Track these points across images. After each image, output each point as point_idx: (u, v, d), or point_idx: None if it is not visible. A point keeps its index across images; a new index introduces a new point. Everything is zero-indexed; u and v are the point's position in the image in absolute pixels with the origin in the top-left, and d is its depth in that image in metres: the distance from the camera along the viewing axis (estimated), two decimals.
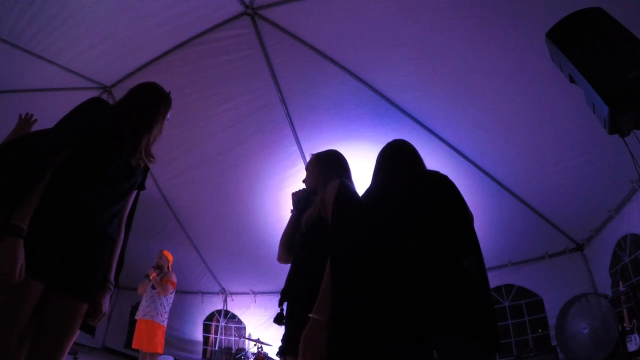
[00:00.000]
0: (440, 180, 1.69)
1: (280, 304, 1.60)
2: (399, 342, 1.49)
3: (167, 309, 4.41)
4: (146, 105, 1.58)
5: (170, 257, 4.70)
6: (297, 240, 1.73)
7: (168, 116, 1.67)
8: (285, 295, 1.59)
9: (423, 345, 1.47)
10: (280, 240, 1.83)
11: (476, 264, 1.53)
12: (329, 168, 1.80)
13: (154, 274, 4.33)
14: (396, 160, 1.87)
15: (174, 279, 4.47)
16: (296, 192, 1.91)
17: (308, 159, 4.86)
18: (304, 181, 1.91)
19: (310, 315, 1.32)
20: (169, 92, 1.69)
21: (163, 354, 5.94)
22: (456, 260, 1.51)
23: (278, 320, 1.59)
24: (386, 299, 1.50)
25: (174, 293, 4.51)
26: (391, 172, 1.81)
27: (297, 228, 1.76)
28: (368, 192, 1.81)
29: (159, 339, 4.21)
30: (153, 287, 4.33)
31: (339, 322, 1.30)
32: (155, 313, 4.23)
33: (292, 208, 1.87)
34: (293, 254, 1.73)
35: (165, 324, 4.34)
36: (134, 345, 4.22)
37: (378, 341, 1.43)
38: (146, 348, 4.10)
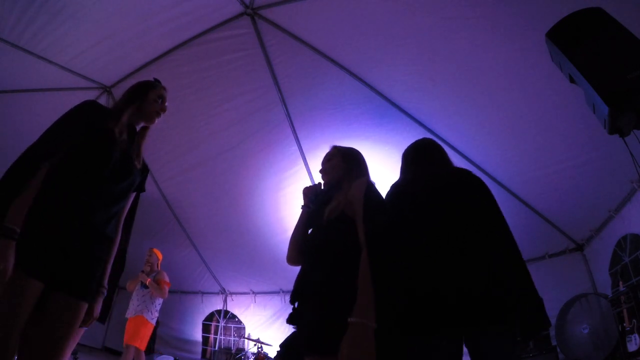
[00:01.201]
0: (468, 179, 1.70)
1: (293, 302, 1.51)
2: (427, 338, 1.49)
3: (158, 307, 4.34)
4: (130, 96, 1.63)
5: (160, 256, 4.63)
6: (311, 235, 1.64)
7: (162, 94, 1.68)
8: (297, 294, 1.50)
9: (452, 339, 1.46)
10: (292, 240, 1.70)
11: (513, 256, 1.52)
12: (354, 165, 1.74)
13: (149, 280, 4.26)
14: (421, 159, 1.86)
15: (167, 278, 4.42)
16: (310, 187, 1.82)
17: (308, 159, 4.84)
18: (323, 171, 1.79)
19: (352, 320, 1.20)
20: (154, 79, 1.73)
21: (163, 354, 5.97)
22: (475, 255, 1.50)
23: (292, 320, 1.49)
24: (411, 295, 1.49)
25: None
26: (416, 171, 1.81)
27: (310, 224, 1.68)
28: (394, 189, 1.79)
29: (143, 335, 4.11)
30: (145, 287, 4.26)
31: (383, 327, 1.21)
32: (145, 310, 4.17)
33: (303, 204, 1.76)
34: (303, 251, 1.65)
35: (154, 322, 4.26)
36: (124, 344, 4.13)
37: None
38: (131, 341, 4.02)
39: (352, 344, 1.15)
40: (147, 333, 4.19)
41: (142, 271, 4.40)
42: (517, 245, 1.55)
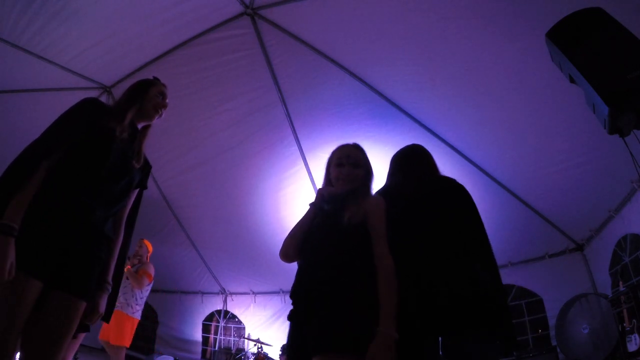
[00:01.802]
0: (453, 186, 1.75)
1: (295, 299, 1.51)
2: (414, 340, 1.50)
3: (141, 301, 4.12)
4: (131, 94, 1.63)
5: (150, 247, 4.41)
6: (321, 234, 1.59)
7: (163, 91, 1.67)
8: (302, 291, 1.49)
9: (428, 345, 1.48)
10: (294, 236, 1.64)
11: (487, 263, 1.56)
12: (371, 181, 1.75)
13: (129, 266, 4.05)
14: (410, 164, 1.90)
15: (152, 271, 4.15)
16: (330, 189, 1.74)
17: (308, 159, 4.82)
18: (346, 176, 1.70)
19: (381, 329, 1.26)
20: (153, 77, 1.72)
21: (163, 354, 5.95)
22: (464, 260, 1.53)
23: (296, 317, 1.49)
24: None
25: (150, 285, 4.20)
26: (405, 176, 1.84)
27: (319, 224, 1.65)
28: (382, 193, 1.80)
29: (128, 332, 3.90)
30: (127, 277, 4.03)
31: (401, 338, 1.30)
32: (126, 304, 3.95)
33: (314, 202, 1.72)
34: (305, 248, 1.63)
35: (136, 316, 4.03)
36: (100, 337, 3.88)
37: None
38: (113, 340, 3.82)
39: (378, 353, 1.23)
40: (132, 329, 3.97)
41: (128, 257, 4.20)
42: (493, 258, 1.61)
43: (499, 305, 1.48)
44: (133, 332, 4.01)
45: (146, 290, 4.18)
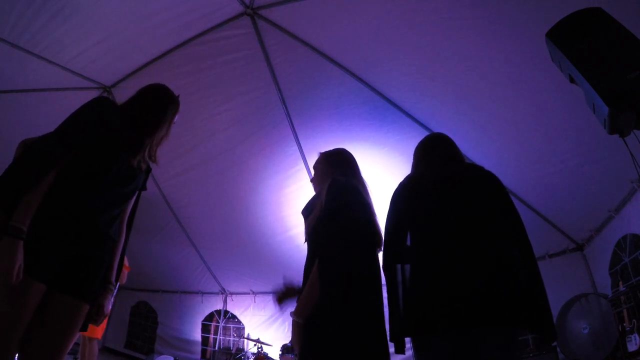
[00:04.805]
0: (483, 174, 1.69)
1: None
2: (430, 337, 1.46)
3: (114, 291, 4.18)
4: (153, 106, 1.56)
5: None
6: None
7: (175, 119, 1.65)
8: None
9: (453, 340, 1.43)
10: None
11: (526, 254, 1.52)
12: (333, 167, 1.76)
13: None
14: (435, 153, 1.82)
15: (126, 262, 4.09)
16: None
17: (308, 159, 4.85)
18: (312, 180, 1.88)
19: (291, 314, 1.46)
20: (178, 96, 1.66)
21: (163, 354, 5.95)
22: (504, 251, 1.50)
23: None
24: (422, 291, 1.48)
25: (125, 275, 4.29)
26: (430, 165, 1.78)
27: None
28: (407, 182, 1.77)
29: (101, 325, 4.00)
30: None
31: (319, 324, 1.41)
32: None
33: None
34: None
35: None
36: None
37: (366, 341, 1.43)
38: (93, 334, 3.87)
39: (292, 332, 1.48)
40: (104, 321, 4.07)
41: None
42: (531, 245, 1.54)
43: (539, 302, 1.41)
44: (105, 323, 4.05)
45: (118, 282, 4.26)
